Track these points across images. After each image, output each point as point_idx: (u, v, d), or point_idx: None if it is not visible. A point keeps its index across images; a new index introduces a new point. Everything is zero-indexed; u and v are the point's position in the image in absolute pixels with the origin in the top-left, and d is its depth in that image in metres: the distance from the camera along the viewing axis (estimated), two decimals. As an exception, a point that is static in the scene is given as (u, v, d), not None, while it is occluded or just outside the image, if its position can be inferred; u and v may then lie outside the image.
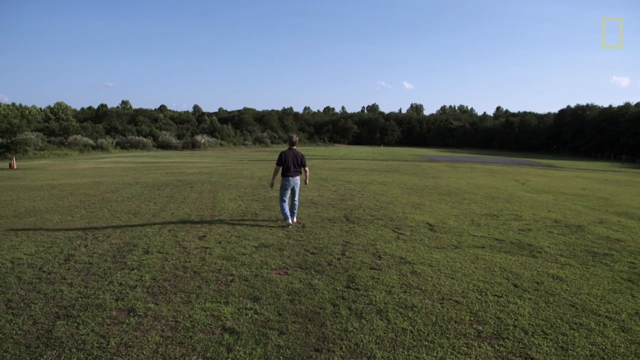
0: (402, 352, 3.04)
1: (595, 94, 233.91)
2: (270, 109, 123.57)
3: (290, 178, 6.91)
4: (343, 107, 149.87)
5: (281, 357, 2.94)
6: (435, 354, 3.01)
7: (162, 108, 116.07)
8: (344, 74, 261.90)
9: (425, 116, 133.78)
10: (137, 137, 67.10)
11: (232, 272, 4.62)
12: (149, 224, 7.08)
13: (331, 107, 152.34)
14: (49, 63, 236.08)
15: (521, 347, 3.13)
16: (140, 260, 5.01)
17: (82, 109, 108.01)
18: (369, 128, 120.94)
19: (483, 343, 3.18)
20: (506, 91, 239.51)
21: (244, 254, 5.31)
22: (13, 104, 73.23)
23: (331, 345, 3.11)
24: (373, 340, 3.19)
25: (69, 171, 20.83)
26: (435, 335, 3.29)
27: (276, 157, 7.12)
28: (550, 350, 3.10)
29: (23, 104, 78.76)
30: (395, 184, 14.18)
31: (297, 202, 7.24)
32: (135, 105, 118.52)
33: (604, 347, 3.17)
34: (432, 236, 6.50)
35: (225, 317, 3.53)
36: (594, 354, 3.07)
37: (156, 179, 14.80)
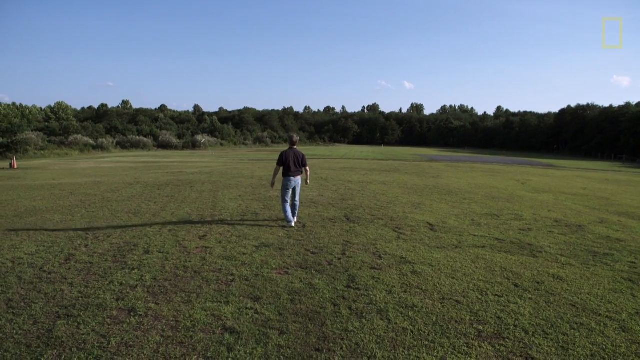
0: (403, 351, 3.04)
1: (595, 93, 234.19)
2: (270, 109, 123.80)
3: (292, 178, 6.90)
4: (343, 107, 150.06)
5: (282, 357, 2.94)
6: (435, 354, 3.01)
7: (163, 108, 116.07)
8: (344, 74, 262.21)
9: (425, 116, 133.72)
10: (137, 137, 67.15)
11: (232, 272, 4.62)
12: (149, 223, 7.08)
13: (332, 106, 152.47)
14: (50, 63, 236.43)
15: (522, 347, 3.13)
16: (140, 260, 5.01)
17: (83, 108, 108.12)
18: (370, 128, 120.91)
19: (484, 343, 3.18)
20: (506, 91, 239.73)
21: (244, 254, 5.31)
22: (13, 104, 73.39)
23: (332, 344, 3.11)
24: (374, 340, 3.19)
25: (69, 171, 20.84)
26: (435, 335, 3.29)
27: (276, 157, 7.11)
28: (551, 350, 3.10)
29: (23, 104, 79.03)
30: (395, 183, 14.18)
31: (298, 202, 7.23)
32: (135, 105, 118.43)
33: (604, 347, 3.17)
34: (433, 236, 6.49)
35: (225, 316, 3.53)
36: (594, 353, 3.07)
37: (157, 179, 14.80)
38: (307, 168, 7.22)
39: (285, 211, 6.92)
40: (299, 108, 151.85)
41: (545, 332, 3.37)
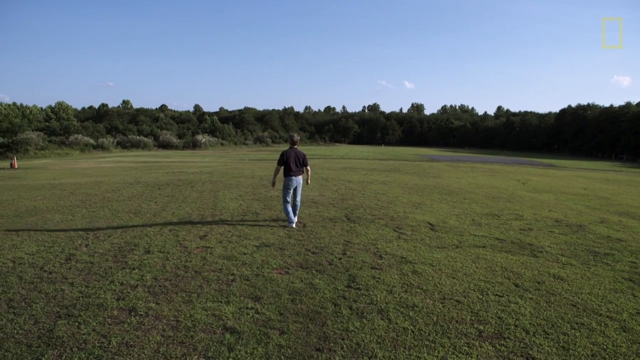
0: (404, 351, 3.03)
1: (596, 93, 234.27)
2: (271, 109, 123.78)
3: (293, 178, 6.89)
4: (344, 107, 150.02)
5: (282, 357, 2.94)
6: (436, 354, 3.01)
7: (163, 107, 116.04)
8: (344, 74, 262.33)
9: (426, 116, 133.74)
10: (138, 137, 67.24)
11: (233, 272, 4.62)
12: (150, 223, 7.08)
13: (332, 106, 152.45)
14: (50, 63, 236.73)
15: (522, 347, 3.13)
16: (141, 260, 5.01)
17: (83, 108, 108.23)
18: (370, 127, 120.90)
19: (484, 343, 3.18)
20: (507, 91, 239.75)
21: (245, 254, 5.31)
22: (14, 104, 73.38)
23: (332, 344, 3.11)
24: (374, 340, 3.18)
25: (69, 171, 20.85)
26: (436, 334, 3.28)
27: (277, 156, 7.10)
28: (552, 350, 3.10)
29: (24, 104, 79.06)
30: (396, 183, 14.17)
31: (299, 202, 7.21)
32: (136, 104, 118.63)
33: (605, 347, 3.16)
34: (433, 236, 6.49)
35: (226, 316, 3.53)
36: (595, 353, 3.07)
37: (157, 179, 14.81)
38: (308, 168, 7.20)
39: (286, 211, 6.91)
40: (299, 108, 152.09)
41: (546, 332, 3.37)
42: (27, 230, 6.58)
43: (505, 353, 3.04)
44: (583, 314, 3.73)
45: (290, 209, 6.94)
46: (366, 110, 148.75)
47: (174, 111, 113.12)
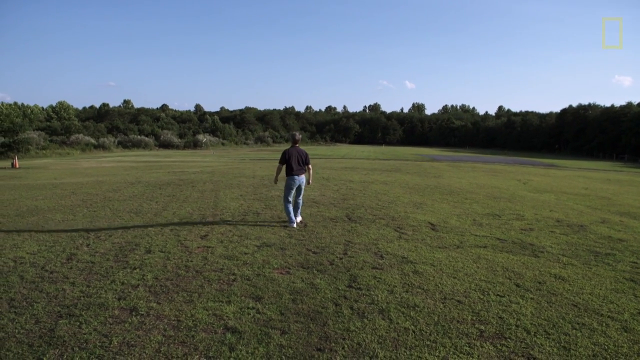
0: (405, 351, 3.03)
1: (597, 93, 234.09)
2: (272, 108, 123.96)
3: (295, 177, 6.86)
4: (345, 107, 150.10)
5: (283, 357, 2.94)
6: (437, 354, 3.01)
7: (164, 107, 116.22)
8: (345, 74, 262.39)
9: (427, 115, 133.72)
10: (139, 137, 67.32)
11: (234, 272, 4.62)
12: (151, 223, 7.09)
13: (333, 106, 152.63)
14: (51, 62, 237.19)
15: (523, 347, 3.12)
16: (142, 260, 5.01)
17: (84, 108, 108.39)
18: (371, 127, 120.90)
19: (485, 343, 3.18)
20: (508, 91, 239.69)
21: (246, 253, 5.31)
22: (15, 103, 73.34)
23: (333, 344, 3.11)
24: (375, 340, 3.18)
25: (71, 170, 20.87)
26: (437, 334, 3.28)
27: (278, 156, 7.09)
28: (553, 350, 3.09)
29: (25, 103, 78.98)
30: (397, 183, 14.17)
31: (300, 202, 7.21)
32: (137, 104, 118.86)
33: (606, 347, 3.16)
34: (434, 236, 6.49)
35: (227, 316, 3.53)
36: (596, 354, 3.06)
37: (158, 178, 14.82)
38: (310, 166, 7.17)
39: (287, 211, 6.91)
40: (300, 108, 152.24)
41: (547, 332, 3.37)
42: (29, 229, 6.59)
43: (507, 353, 3.04)
44: (584, 314, 3.73)
45: (291, 209, 6.94)
46: (367, 110, 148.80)
47: (175, 111, 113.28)
